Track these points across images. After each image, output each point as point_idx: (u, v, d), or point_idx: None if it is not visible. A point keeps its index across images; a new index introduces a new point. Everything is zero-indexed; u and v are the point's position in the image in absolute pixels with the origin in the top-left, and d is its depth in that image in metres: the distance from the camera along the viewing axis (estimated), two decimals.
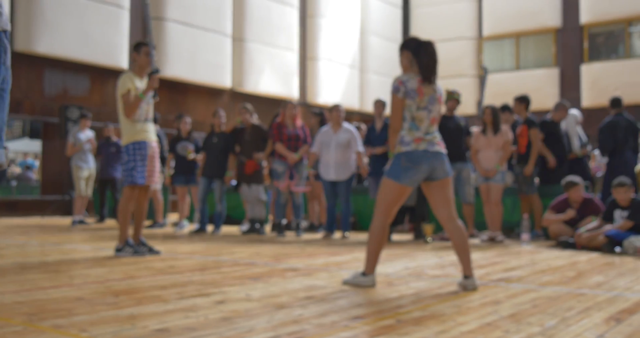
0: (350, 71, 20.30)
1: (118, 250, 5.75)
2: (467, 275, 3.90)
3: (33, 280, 4.10)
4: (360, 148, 8.09)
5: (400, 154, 3.95)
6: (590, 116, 18.59)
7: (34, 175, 18.48)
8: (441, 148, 4.05)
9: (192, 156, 9.43)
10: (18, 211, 13.17)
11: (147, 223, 10.55)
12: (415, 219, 7.88)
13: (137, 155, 5.66)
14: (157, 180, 5.99)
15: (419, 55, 3.99)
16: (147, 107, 5.82)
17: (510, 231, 8.44)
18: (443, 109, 8.09)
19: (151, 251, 5.83)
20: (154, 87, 5.72)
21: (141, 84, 5.78)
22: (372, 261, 4.00)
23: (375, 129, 8.26)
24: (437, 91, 4.08)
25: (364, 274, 4.00)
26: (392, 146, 4.08)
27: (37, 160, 18.26)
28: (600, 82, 18.60)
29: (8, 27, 1.67)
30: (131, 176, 5.66)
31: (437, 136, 4.06)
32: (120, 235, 5.77)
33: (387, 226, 4.04)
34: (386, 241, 3.90)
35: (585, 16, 19.12)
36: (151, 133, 5.82)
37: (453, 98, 8.14)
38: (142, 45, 5.83)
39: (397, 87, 3.98)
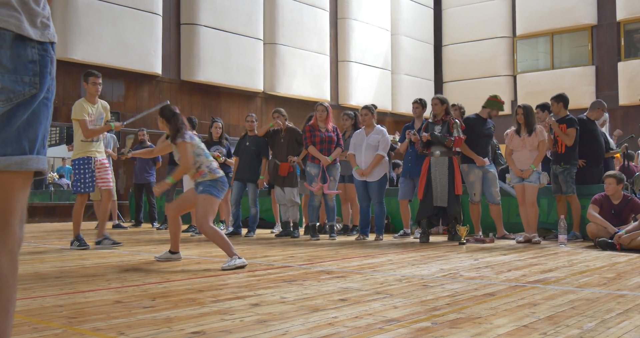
0: (381, 72, 20.24)
1: (71, 242, 6.76)
2: (174, 251, 5.61)
3: (72, 284, 4.18)
4: (382, 151, 8.05)
5: (216, 179, 5.33)
6: (628, 114, 18.27)
7: (69, 181, 18.78)
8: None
9: (221, 159, 9.46)
10: (56, 216, 13.42)
11: (183, 227, 10.64)
12: (449, 221, 7.82)
13: (84, 169, 6.63)
14: (111, 184, 7.00)
15: (170, 123, 5.44)
16: None
17: (547, 232, 8.32)
18: (483, 113, 8.15)
19: (114, 244, 6.93)
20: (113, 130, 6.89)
21: (93, 109, 6.62)
22: (175, 243, 5.61)
23: (414, 129, 8.25)
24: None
25: (171, 252, 5.59)
26: (178, 176, 5.41)
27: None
28: (638, 79, 18.21)
29: (55, 39, 1.72)
30: (77, 187, 6.67)
31: None
32: (74, 232, 6.82)
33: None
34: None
35: (622, 12, 18.74)
36: (98, 152, 6.77)
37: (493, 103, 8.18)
38: (89, 75, 6.68)
39: (192, 136, 5.45)
